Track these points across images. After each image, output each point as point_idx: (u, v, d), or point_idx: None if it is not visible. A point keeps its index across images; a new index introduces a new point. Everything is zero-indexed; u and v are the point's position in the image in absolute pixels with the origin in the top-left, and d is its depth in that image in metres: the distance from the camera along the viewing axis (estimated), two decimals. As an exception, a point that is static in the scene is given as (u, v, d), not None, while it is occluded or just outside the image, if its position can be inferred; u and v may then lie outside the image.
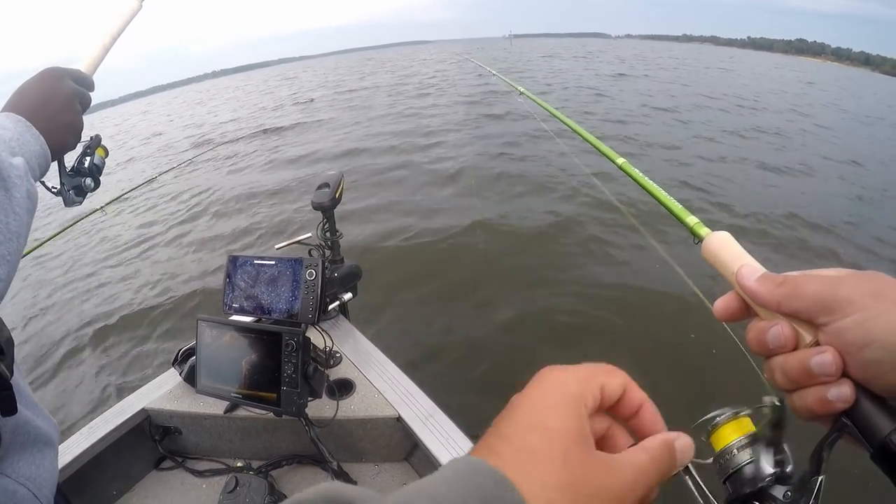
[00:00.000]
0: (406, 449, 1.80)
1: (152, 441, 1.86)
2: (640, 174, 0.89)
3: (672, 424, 0.45)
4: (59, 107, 0.95)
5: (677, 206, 0.73)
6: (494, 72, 2.69)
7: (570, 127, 1.32)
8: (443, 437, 1.60)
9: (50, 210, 7.95)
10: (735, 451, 0.49)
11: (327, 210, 2.00)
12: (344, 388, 1.80)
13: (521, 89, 1.87)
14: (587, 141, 1.17)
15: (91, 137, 1.13)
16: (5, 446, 0.81)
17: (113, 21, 1.23)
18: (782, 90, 22.30)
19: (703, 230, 0.65)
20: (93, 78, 1.11)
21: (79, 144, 1.07)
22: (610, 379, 0.44)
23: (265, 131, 14.64)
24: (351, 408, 1.73)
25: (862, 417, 0.43)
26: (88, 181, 1.10)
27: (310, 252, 1.90)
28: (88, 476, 1.69)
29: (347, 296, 2.02)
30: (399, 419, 1.69)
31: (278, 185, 8.75)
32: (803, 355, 0.46)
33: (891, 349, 0.41)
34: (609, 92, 17.67)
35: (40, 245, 3.44)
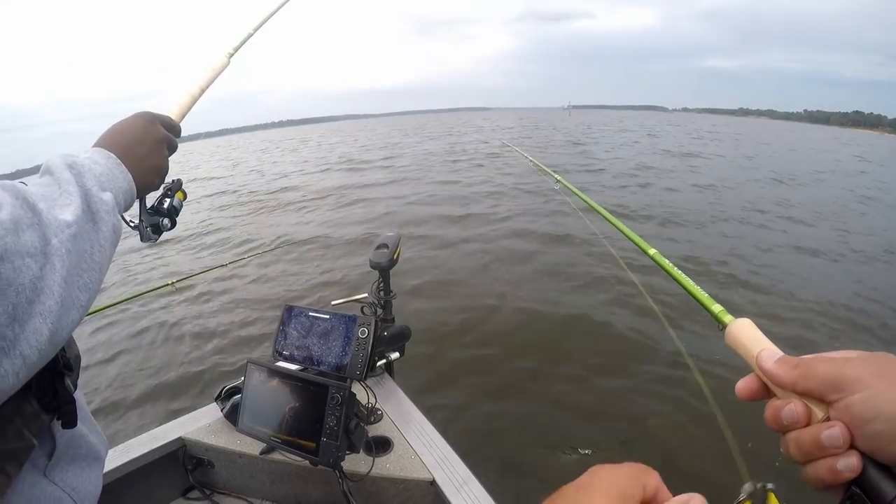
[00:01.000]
0: None
1: (184, 469, 1.90)
2: (671, 265, 0.94)
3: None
4: (148, 149, 1.00)
5: (704, 296, 0.78)
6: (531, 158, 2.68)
7: (608, 219, 1.34)
8: None
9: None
10: None
11: (384, 270, 2.06)
12: (381, 445, 1.82)
13: (558, 177, 1.91)
14: (621, 230, 1.21)
15: (173, 181, 1.18)
16: (58, 456, 0.86)
17: (202, 74, 1.33)
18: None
19: (727, 317, 0.69)
20: (180, 125, 1.18)
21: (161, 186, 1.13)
22: (649, 478, 0.51)
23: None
24: (386, 466, 1.74)
25: (870, 485, 0.47)
26: (166, 221, 1.15)
27: (362, 310, 1.96)
28: (115, 493, 1.72)
29: (395, 355, 2.04)
30: (433, 483, 1.69)
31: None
32: (815, 430, 0.50)
33: (892, 422, 0.45)
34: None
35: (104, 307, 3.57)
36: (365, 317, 1.62)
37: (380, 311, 2.08)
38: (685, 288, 0.84)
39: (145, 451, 1.81)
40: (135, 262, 9.18)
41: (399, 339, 2.06)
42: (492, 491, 1.65)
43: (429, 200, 12.35)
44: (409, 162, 20.30)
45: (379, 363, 1.99)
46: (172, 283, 3.94)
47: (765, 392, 0.59)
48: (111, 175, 0.87)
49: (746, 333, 0.64)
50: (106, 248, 0.78)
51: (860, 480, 0.47)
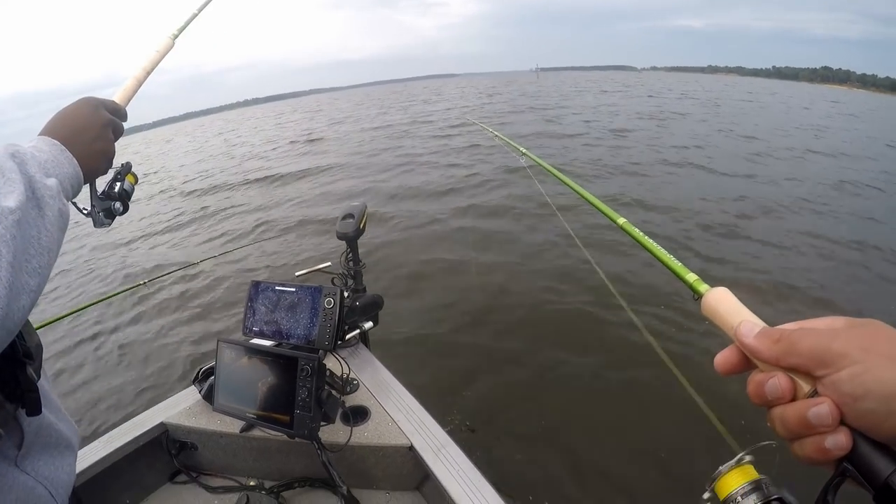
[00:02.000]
0: (417, 479, 1.81)
1: (168, 455, 1.91)
2: (641, 234, 0.91)
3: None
4: (93, 134, 1.01)
5: (677, 264, 0.75)
6: (497, 133, 2.62)
7: (571, 188, 1.32)
8: (454, 470, 1.61)
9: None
10: (739, 497, 0.51)
11: (352, 240, 2.05)
12: (359, 414, 1.83)
13: (523, 150, 1.88)
14: (589, 202, 1.19)
15: (122, 164, 1.18)
16: (27, 445, 0.87)
17: (147, 57, 1.33)
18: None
19: (703, 286, 0.66)
20: (126, 109, 1.18)
21: (110, 170, 1.13)
22: None
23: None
24: (365, 434, 1.75)
25: (862, 462, 0.45)
26: (118, 205, 1.15)
27: (332, 281, 1.95)
28: (103, 483, 1.74)
29: (368, 325, 2.05)
30: (411, 448, 1.70)
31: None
32: (801, 407, 0.48)
33: (883, 400, 0.43)
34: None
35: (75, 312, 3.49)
36: (331, 287, 1.62)
37: (350, 281, 2.07)
38: (657, 257, 0.82)
39: (129, 439, 1.81)
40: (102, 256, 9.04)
41: (372, 309, 2.06)
42: (470, 455, 1.67)
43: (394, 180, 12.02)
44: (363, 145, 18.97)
45: (352, 334, 1.99)
46: (145, 282, 3.90)
47: (746, 364, 0.57)
48: (56, 161, 0.88)
49: (724, 303, 0.61)
50: (53, 232, 0.78)
51: (851, 457, 0.46)
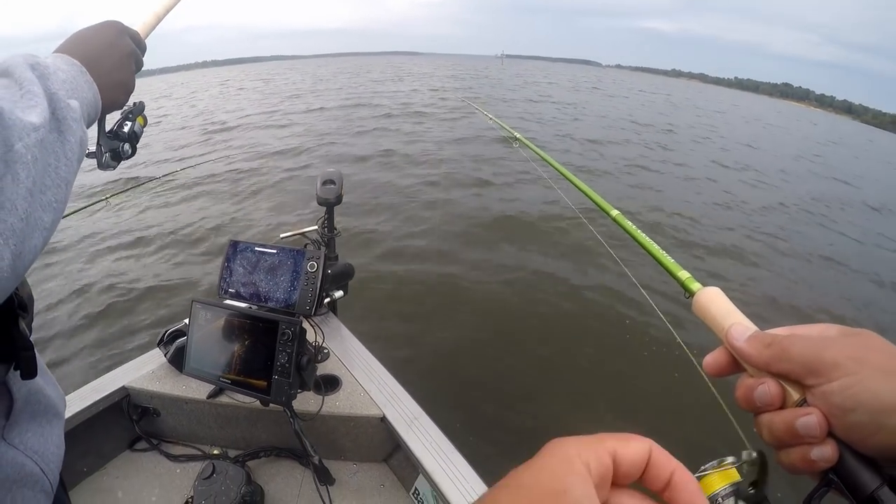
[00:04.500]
0: (387, 450, 1.80)
1: (129, 420, 1.84)
2: (634, 227, 0.90)
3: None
4: (116, 62, 0.90)
5: (669, 261, 0.75)
6: (492, 116, 2.53)
7: (566, 177, 1.30)
8: (426, 441, 1.60)
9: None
10: (720, 499, 0.50)
11: (331, 206, 2.00)
12: (330, 383, 1.80)
13: (518, 135, 1.86)
14: (582, 191, 1.16)
15: (135, 103, 1.09)
16: (16, 414, 0.76)
17: None
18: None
19: (695, 285, 0.66)
20: (146, 44, 1.07)
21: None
22: (624, 445, 0.40)
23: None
24: (336, 404, 1.72)
25: (848, 474, 0.44)
26: (126, 147, 1.06)
27: (305, 246, 1.90)
28: None
29: (339, 294, 2.02)
30: (383, 419, 1.69)
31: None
32: (789, 416, 0.47)
33: (873, 414, 0.42)
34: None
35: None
36: (313, 250, 1.57)
37: (323, 248, 2.02)
38: (649, 252, 0.81)
39: (87, 403, 1.73)
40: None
41: (343, 278, 2.03)
42: (443, 427, 1.67)
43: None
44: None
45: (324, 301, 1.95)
46: (107, 197, 3.64)
47: (735, 367, 0.55)
48: (75, 83, 0.77)
49: (715, 304, 0.60)
50: (72, 162, 0.68)
51: (837, 468, 0.45)
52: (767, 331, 0.53)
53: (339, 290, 2.02)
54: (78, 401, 1.74)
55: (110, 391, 1.78)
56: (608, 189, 9.12)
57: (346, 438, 1.77)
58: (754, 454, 0.50)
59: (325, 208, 2.03)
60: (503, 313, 4.85)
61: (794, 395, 0.48)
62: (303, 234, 1.95)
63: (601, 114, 22.15)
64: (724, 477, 0.50)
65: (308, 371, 1.46)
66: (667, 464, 0.40)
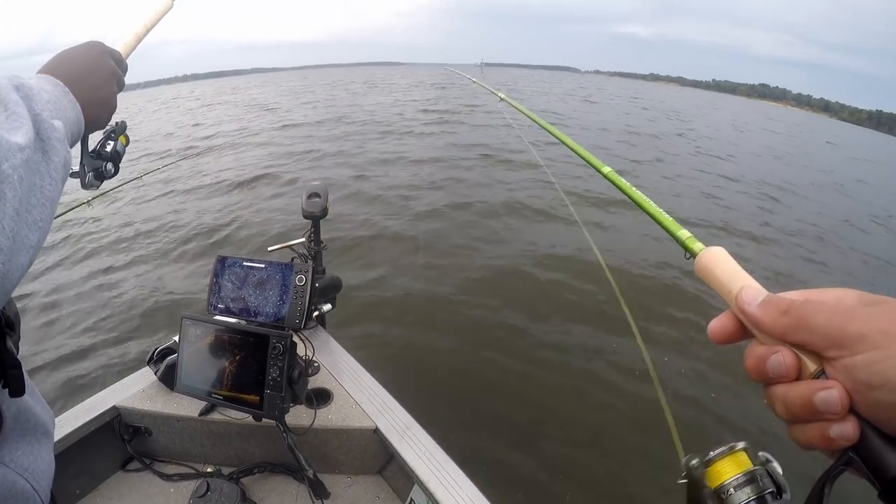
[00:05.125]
0: (381, 462, 1.79)
1: (121, 440, 1.82)
2: (628, 184, 0.84)
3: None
4: (99, 81, 0.92)
5: (668, 219, 0.69)
6: (475, 79, 2.64)
7: (555, 136, 1.25)
8: (420, 450, 1.60)
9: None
10: (732, 489, 0.47)
11: (317, 220, 2.01)
12: (321, 397, 1.80)
13: (502, 95, 1.86)
14: (573, 150, 1.10)
15: (117, 122, 1.08)
16: (6, 432, 0.77)
17: (147, 13, 1.23)
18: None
19: (697, 245, 0.60)
20: (127, 63, 1.08)
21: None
22: None
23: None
24: (328, 417, 1.72)
25: (870, 454, 0.41)
26: (109, 166, 1.06)
27: (292, 260, 1.90)
28: None
29: (327, 307, 2.02)
30: (376, 431, 1.69)
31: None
32: (807, 389, 0.43)
33: None
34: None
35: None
36: (301, 264, 1.58)
37: (310, 261, 2.02)
38: (646, 210, 0.75)
39: (79, 424, 1.71)
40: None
41: (331, 291, 2.04)
42: (436, 436, 1.67)
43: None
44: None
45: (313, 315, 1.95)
46: (88, 200, 3.57)
47: (742, 333, 0.51)
48: (59, 104, 0.78)
49: (721, 265, 0.55)
50: (57, 181, 0.69)
51: (858, 447, 0.41)
52: (780, 294, 0.49)
53: (327, 303, 2.03)
54: (69, 421, 1.72)
55: (101, 411, 1.77)
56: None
57: (340, 451, 1.77)
58: (768, 456, 0.48)
59: (310, 221, 2.02)
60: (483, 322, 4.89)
61: (811, 366, 0.44)
62: (290, 246, 1.96)
63: (627, 127, 20.39)
64: (735, 463, 0.49)
65: (300, 385, 1.46)
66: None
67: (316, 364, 1.94)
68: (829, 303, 0.45)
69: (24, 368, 0.78)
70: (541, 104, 27.71)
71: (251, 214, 7.81)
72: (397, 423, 1.70)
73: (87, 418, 1.74)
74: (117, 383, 1.89)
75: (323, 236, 2.07)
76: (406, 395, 1.84)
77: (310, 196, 1.98)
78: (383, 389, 1.86)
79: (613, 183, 0.90)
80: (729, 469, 0.48)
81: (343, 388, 1.86)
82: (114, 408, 1.79)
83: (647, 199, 0.76)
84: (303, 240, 2.02)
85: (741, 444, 0.49)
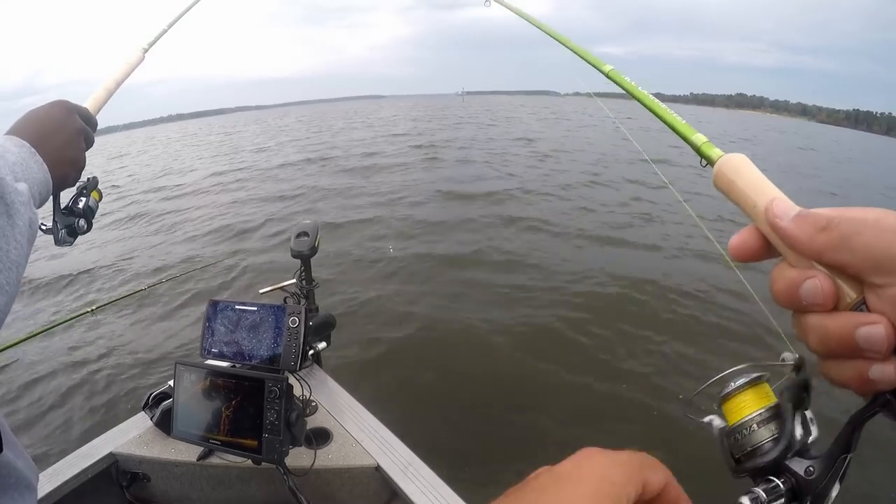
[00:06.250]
0: (384, 500, 1.78)
1: (119, 487, 1.81)
2: (632, 83, 0.75)
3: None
4: (66, 140, 0.92)
5: (679, 121, 0.61)
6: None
7: (549, 34, 1.17)
8: (423, 486, 1.60)
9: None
10: (755, 426, 0.44)
11: (307, 259, 2.02)
12: (321, 437, 1.79)
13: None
14: (571, 49, 1.03)
15: (88, 179, 1.09)
16: None
17: (118, 68, 1.26)
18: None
19: (715, 150, 0.53)
20: (96, 119, 1.09)
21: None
22: (653, 474, 0.40)
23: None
24: (329, 457, 1.72)
25: None
26: (82, 222, 1.07)
27: (285, 300, 1.91)
28: None
29: (322, 345, 2.01)
30: (378, 468, 1.68)
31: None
32: (847, 322, 0.37)
33: None
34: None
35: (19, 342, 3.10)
36: (294, 305, 1.59)
37: (303, 300, 2.04)
38: (654, 112, 0.66)
39: (76, 471, 1.70)
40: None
41: (325, 329, 2.03)
42: (441, 474, 1.67)
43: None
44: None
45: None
46: (92, 309, 3.58)
47: (766, 251, 0.45)
48: (25, 165, 0.79)
49: (745, 174, 0.48)
50: (23, 244, 0.70)
51: None
52: (816, 210, 0.41)
53: (321, 341, 2.01)
54: (64, 469, 1.71)
55: (97, 458, 1.76)
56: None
57: (342, 491, 1.76)
58: (796, 357, 0.44)
59: (299, 261, 2.04)
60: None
61: (850, 293, 0.38)
62: (281, 288, 1.96)
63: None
64: (757, 397, 0.45)
65: (298, 426, 1.46)
66: (675, 494, 0.42)
67: (314, 404, 1.93)
68: (870, 221, 0.38)
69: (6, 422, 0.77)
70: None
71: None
72: (399, 460, 1.70)
73: (84, 465, 1.72)
74: (113, 429, 1.88)
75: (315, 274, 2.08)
76: (414, 431, 1.83)
77: (298, 235, 1.99)
78: (383, 427, 1.85)
79: (616, 82, 0.82)
80: (751, 403, 0.45)
81: (342, 426, 1.85)
82: (111, 454, 1.77)
83: (656, 101, 0.68)
84: (293, 280, 2.03)
85: (763, 373, 0.46)
